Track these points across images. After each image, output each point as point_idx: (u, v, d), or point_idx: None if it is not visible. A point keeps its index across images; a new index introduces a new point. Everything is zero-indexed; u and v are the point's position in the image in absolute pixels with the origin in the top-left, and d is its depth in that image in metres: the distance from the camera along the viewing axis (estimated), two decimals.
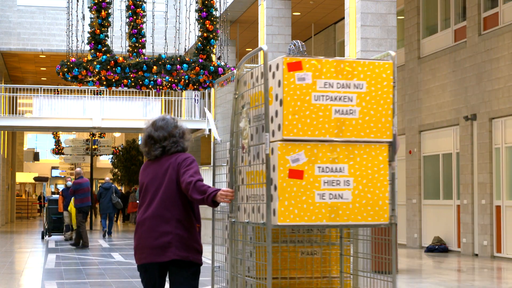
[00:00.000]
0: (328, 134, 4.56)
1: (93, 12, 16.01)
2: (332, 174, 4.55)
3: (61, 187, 61.69)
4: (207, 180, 17.59)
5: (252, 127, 4.94)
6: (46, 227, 23.16)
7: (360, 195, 4.64)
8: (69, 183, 21.90)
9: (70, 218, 22.06)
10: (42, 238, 23.15)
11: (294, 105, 4.49)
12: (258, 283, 4.90)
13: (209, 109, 27.63)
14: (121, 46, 17.28)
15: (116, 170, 45.37)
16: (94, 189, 43.53)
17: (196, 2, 16.48)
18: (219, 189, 4.89)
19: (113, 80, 16.36)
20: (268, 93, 4.64)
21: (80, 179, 19.76)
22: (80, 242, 19.53)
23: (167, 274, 5.14)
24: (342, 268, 5.10)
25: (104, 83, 16.48)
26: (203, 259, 5.27)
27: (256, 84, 4.84)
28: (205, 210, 18.69)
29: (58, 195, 23.66)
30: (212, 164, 5.76)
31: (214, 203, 4.94)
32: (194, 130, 30.45)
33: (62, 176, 60.95)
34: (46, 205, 23.98)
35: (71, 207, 21.35)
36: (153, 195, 5.13)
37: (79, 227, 19.52)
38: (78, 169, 20.78)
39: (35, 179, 48.99)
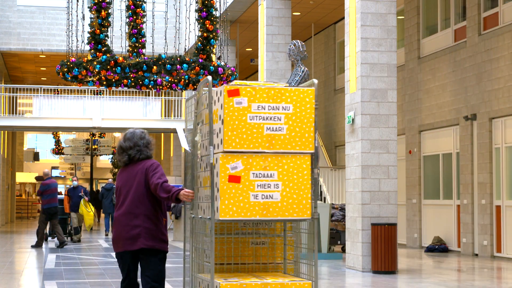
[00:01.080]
0: (261, 147, 5.67)
1: (93, 12, 16.01)
2: (264, 179, 5.65)
3: (61, 187, 61.66)
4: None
5: (205, 140, 6.06)
6: (50, 228, 22.04)
7: (287, 196, 5.67)
8: (75, 183, 21.96)
9: (78, 220, 22.00)
10: (46, 239, 21.96)
11: (233, 124, 5.63)
12: (217, 267, 6.14)
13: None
14: (121, 46, 17.29)
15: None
16: (94, 189, 43.54)
17: (196, 2, 16.48)
18: (182, 189, 5.98)
19: (113, 80, 16.36)
20: (213, 114, 5.82)
21: (48, 180, 19.74)
22: (41, 242, 19.83)
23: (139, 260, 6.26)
24: (285, 256, 6.19)
25: (104, 83, 16.47)
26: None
27: (214, 106, 5.94)
28: None
29: (63, 196, 23.11)
30: (183, 169, 6.43)
31: (177, 200, 6.03)
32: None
33: (62, 176, 60.93)
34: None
35: (82, 208, 21.38)
36: (125, 196, 6.27)
37: (40, 227, 19.74)
38: (46, 170, 20.49)
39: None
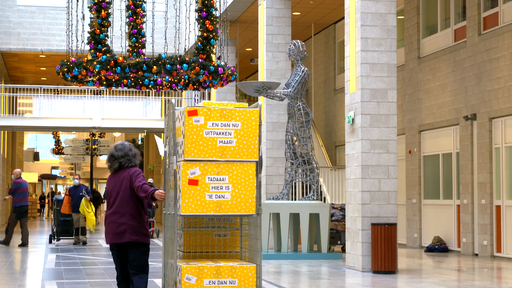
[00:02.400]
0: (215, 156, 7.00)
1: (93, 12, 16.00)
2: (217, 182, 6.99)
3: (60, 187, 61.64)
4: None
5: (171, 150, 7.37)
6: (55, 230, 21.25)
7: (236, 195, 6.98)
8: (77, 181, 20.91)
9: (80, 221, 20.72)
10: (50, 242, 21.37)
11: (192, 138, 6.96)
12: (184, 254, 7.43)
13: None
14: (121, 46, 17.28)
15: None
16: (94, 188, 43.49)
17: (196, 2, 16.48)
18: (157, 189, 7.31)
19: (113, 80, 16.35)
20: (176, 130, 7.27)
21: (19, 179, 19.93)
22: (9, 241, 19.83)
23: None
24: (242, 245, 7.50)
25: (104, 83, 16.47)
26: None
27: (177, 124, 7.35)
28: None
29: (63, 195, 21.73)
30: (163, 173, 8.01)
31: (153, 199, 7.35)
32: None
33: (62, 176, 60.89)
34: (54, 206, 22.19)
35: (83, 208, 20.09)
36: (114, 198, 7.56)
37: (9, 225, 19.84)
38: (17, 170, 20.58)
39: (41, 176, 48.74)
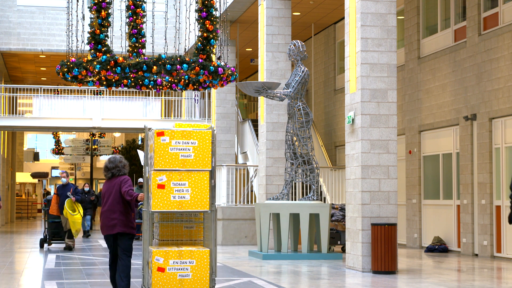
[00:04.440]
0: (177, 166, 9.13)
1: (93, 12, 15.98)
2: (179, 186, 9.09)
3: (52, 187, 61.46)
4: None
5: (146, 162, 9.67)
6: (46, 233, 19.51)
7: (194, 196, 9.12)
8: (64, 180, 19.02)
9: (66, 222, 18.67)
10: (41, 246, 19.52)
11: (160, 153, 9.13)
12: (160, 241, 9.58)
13: (209, 109, 27.87)
14: (121, 46, 17.26)
15: None
16: (94, 188, 43.52)
17: (196, 2, 16.47)
18: (139, 194, 9.55)
19: (113, 80, 16.34)
20: (150, 147, 9.57)
21: None
22: None
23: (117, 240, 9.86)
24: (204, 236, 9.57)
25: (104, 83, 16.46)
26: None
27: (149, 142, 9.63)
28: None
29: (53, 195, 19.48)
30: (143, 176, 10.10)
31: (137, 201, 9.64)
32: None
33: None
34: (44, 206, 20.33)
35: (65, 211, 18.26)
36: (107, 199, 9.81)
37: None
38: None
39: (32, 175, 48.71)
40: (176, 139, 9.13)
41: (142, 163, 10.14)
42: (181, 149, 9.14)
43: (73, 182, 54.28)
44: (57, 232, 19.17)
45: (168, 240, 9.61)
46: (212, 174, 9.15)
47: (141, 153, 11.37)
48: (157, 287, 9.00)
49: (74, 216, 18.17)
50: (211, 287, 9.15)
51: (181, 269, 9.11)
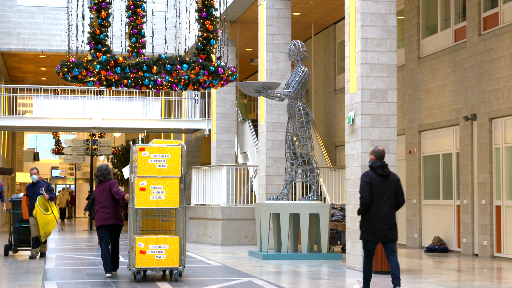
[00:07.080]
0: (155, 174, 12.04)
1: (93, 12, 15.98)
2: (157, 188, 11.99)
3: (60, 187, 61.42)
4: (207, 177, 18.73)
5: (131, 171, 12.50)
6: (12, 239, 16.98)
7: (168, 196, 12.00)
8: (35, 177, 16.19)
9: (36, 227, 16.00)
10: (6, 254, 16.84)
11: (141, 163, 12.05)
12: (142, 231, 12.54)
13: (209, 108, 27.88)
14: (121, 46, 17.26)
15: (116, 170, 45.39)
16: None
17: (196, 2, 16.46)
18: (126, 194, 12.48)
19: (113, 80, 16.33)
20: (134, 159, 12.28)
21: None
22: None
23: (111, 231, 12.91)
24: (177, 227, 12.51)
25: (104, 83, 16.46)
26: None
27: (134, 155, 12.41)
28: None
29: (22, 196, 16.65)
30: (129, 181, 12.73)
31: (124, 200, 12.56)
32: (194, 130, 30.44)
33: (62, 176, 60.88)
34: (10, 208, 17.39)
35: (36, 210, 15.89)
36: (100, 199, 12.74)
37: None
38: None
39: None
40: (154, 153, 12.04)
41: (126, 177, 13.33)
42: (158, 161, 12.02)
43: (73, 182, 54.32)
44: (25, 238, 16.81)
45: (148, 230, 12.64)
46: (182, 180, 12.02)
47: (125, 170, 13.49)
48: (139, 265, 11.89)
49: (47, 216, 15.92)
50: (181, 265, 12.07)
51: (158, 251, 11.89)
